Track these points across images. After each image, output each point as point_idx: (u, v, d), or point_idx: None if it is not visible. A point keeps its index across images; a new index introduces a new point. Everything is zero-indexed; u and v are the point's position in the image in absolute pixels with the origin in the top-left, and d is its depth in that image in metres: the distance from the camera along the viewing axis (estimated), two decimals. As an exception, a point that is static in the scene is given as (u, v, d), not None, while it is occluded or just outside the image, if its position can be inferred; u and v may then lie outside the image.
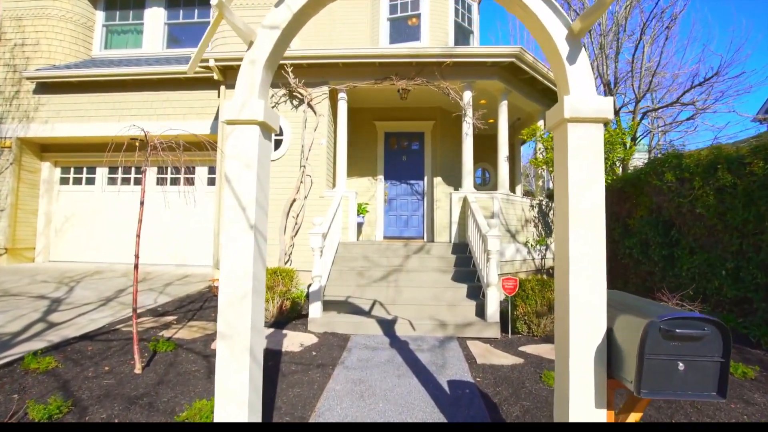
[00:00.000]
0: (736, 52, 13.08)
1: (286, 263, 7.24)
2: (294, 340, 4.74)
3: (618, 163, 9.03)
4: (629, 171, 9.68)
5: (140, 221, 3.52)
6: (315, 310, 5.27)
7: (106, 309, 5.51)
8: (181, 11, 9.92)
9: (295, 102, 7.60)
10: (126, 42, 10.16)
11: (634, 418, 1.72)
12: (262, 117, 1.87)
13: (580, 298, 1.68)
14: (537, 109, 8.81)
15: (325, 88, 7.55)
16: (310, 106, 7.52)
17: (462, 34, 9.40)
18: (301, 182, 7.43)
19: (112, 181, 9.78)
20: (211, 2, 1.79)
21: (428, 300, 5.64)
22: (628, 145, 7.80)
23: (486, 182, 11.34)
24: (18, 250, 9.31)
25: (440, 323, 5.13)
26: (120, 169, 9.64)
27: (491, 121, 8.58)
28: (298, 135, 7.52)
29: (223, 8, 1.80)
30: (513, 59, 7.04)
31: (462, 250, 6.80)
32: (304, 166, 7.42)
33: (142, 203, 3.52)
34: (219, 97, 7.99)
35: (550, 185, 9.45)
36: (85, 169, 9.88)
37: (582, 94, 1.76)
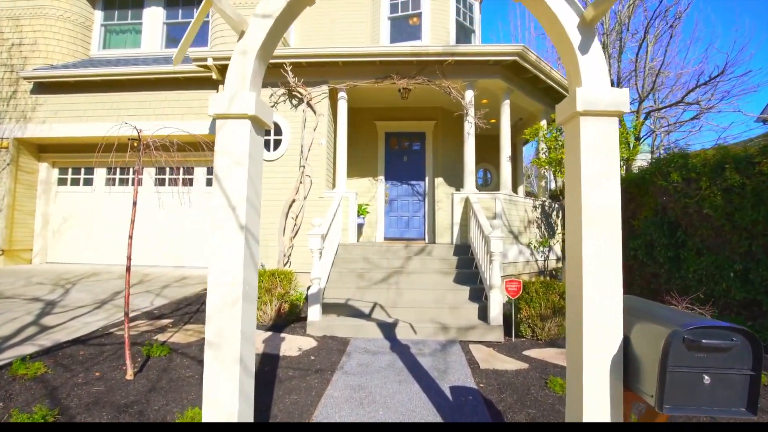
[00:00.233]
0: (740, 52, 12.96)
1: (285, 265, 7.13)
2: (292, 344, 4.62)
3: (622, 164, 8.90)
4: (633, 171, 9.56)
5: (133, 222, 3.41)
6: (314, 313, 5.15)
7: (101, 312, 5.40)
8: (180, 11, 9.84)
9: (294, 101, 7.50)
10: (124, 42, 10.07)
11: (652, 433, 1.60)
12: (253, 110, 1.76)
13: (594, 303, 1.57)
14: (539, 109, 8.69)
15: (325, 88, 7.45)
16: (309, 105, 7.41)
17: (463, 33, 9.30)
18: (301, 182, 7.32)
19: (110, 182, 9.68)
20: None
21: (430, 303, 5.52)
22: (632, 145, 7.69)
23: (488, 183, 11.22)
24: (15, 252, 9.21)
25: (442, 326, 5.01)
26: (118, 169, 9.55)
27: (493, 121, 8.46)
28: (297, 135, 7.42)
29: (211, -6, 1.69)
30: (516, 58, 6.93)
31: (464, 252, 6.68)
32: (304, 167, 7.31)
33: (134, 203, 3.41)
34: (217, 96, 7.88)
35: (552, 186, 9.33)
36: (83, 170, 9.78)
37: (595, 85, 1.65)
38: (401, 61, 7.13)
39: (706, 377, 1.35)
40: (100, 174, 9.72)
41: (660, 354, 1.36)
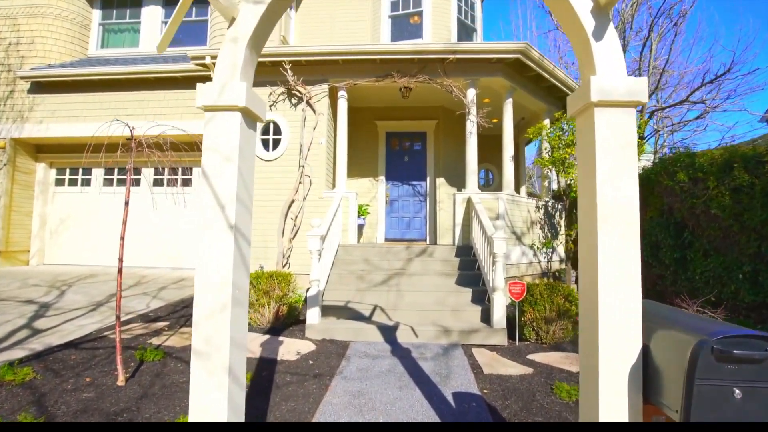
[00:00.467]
0: (744, 51, 12.81)
1: (284, 266, 7.02)
2: (290, 348, 4.51)
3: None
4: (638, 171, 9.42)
5: (124, 223, 3.30)
6: (313, 315, 5.04)
7: (96, 314, 5.29)
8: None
9: (293, 100, 7.39)
10: (123, 41, 9.98)
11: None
12: (244, 102, 1.65)
13: (611, 308, 1.45)
14: (542, 108, 8.57)
15: (325, 86, 7.34)
16: (309, 104, 7.30)
17: (465, 32, 9.19)
18: (300, 183, 7.21)
19: (108, 182, 9.58)
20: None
21: (431, 305, 5.40)
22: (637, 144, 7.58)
23: (489, 183, 11.10)
24: (12, 253, 9.11)
25: (444, 329, 4.89)
26: (116, 169, 9.45)
27: (495, 120, 8.34)
28: (296, 134, 7.31)
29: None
30: (519, 55, 6.82)
31: (466, 253, 6.56)
32: (303, 166, 7.20)
33: (126, 203, 3.30)
34: (216, 95, 7.78)
35: (555, 186, 9.21)
36: (80, 170, 9.68)
37: (611, 74, 1.53)
38: (402, 59, 7.02)
39: (737, 391, 1.23)
40: (98, 174, 9.63)
41: (686, 365, 1.24)
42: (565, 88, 8.21)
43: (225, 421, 1.56)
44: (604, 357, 1.44)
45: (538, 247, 7.67)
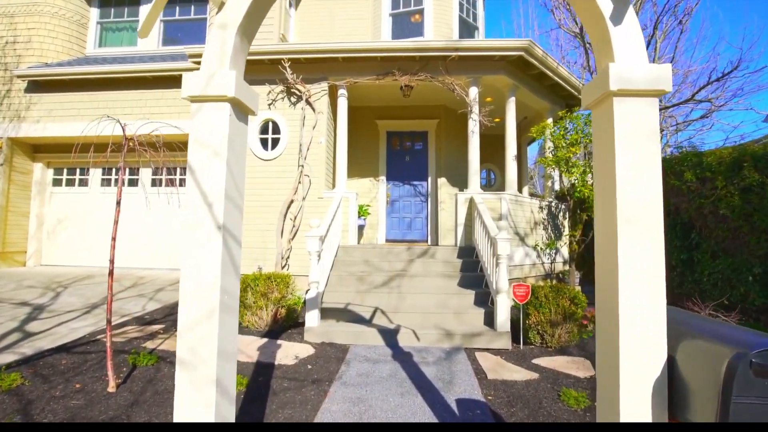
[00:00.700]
0: (749, 49, 12.63)
1: (283, 267, 6.90)
2: (288, 352, 4.38)
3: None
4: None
5: (116, 223, 3.18)
6: (312, 318, 4.92)
7: (90, 317, 5.17)
8: (177, 8, 9.64)
9: (293, 99, 7.27)
10: (121, 40, 9.88)
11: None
12: (233, 92, 1.53)
13: (632, 316, 1.33)
14: (545, 107, 8.45)
15: (324, 84, 7.22)
16: (308, 103, 7.18)
17: (467, 31, 9.07)
18: (299, 183, 7.09)
19: (106, 183, 9.47)
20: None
21: (433, 307, 5.27)
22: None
23: (491, 184, 10.97)
24: (8, 254, 9.00)
25: (446, 333, 4.76)
26: (113, 169, 9.34)
27: (497, 120, 8.22)
28: (296, 133, 7.19)
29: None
30: (522, 53, 6.69)
31: (468, 254, 6.44)
32: (303, 166, 7.08)
33: (118, 203, 3.18)
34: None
35: (557, 187, 9.08)
36: (78, 170, 9.58)
37: (631, 61, 1.41)
38: (403, 56, 6.91)
39: (778, 410, 1.11)
40: (95, 174, 9.52)
41: (720, 381, 1.12)
42: (568, 87, 8.08)
43: (212, 438, 1.44)
44: (626, 370, 1.32)
45: (541, 248, 7.54)
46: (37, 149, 9.44)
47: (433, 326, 4.95)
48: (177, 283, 7.52)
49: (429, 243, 8.39)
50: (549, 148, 7.72)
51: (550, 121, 8.13)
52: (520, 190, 9.34)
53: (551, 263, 7.93)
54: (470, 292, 5.49)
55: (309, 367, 3.99)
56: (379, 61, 7.00)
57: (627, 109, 1.40)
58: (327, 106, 7.31)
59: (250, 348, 4.42)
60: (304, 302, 5.57)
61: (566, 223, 8.32)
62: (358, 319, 5.16)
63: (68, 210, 9.52)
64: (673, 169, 6.41)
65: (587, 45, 12.08)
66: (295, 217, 7.03)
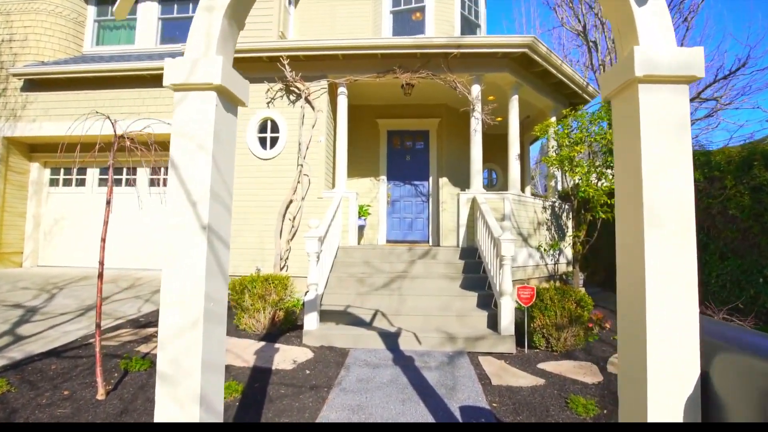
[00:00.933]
0: (753, 48, 12.51)
1: (282, 269, 6.77)
2: (286, 356, 4.26)
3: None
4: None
5: (106, 223, 3.06)
6: (310, 321, 4.79)
7: (84, 319, 5.05)
8: (176, 5, 9.52)
9: (292, 97, 7.15)
10: (118, 38, 9.77)
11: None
12: (219, 79, 1.40)
13: (661, 327, 1.19)
14: (549, 106, 8.31)
15: (324, 82, 7.10)
16: (307, 101, 7.06)
17: (468, 28, 8.94)
18: (299, 182, 6.96)
19: (103, 182, 9.34)
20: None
21: (435, 310, 5.14)
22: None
23: (493, 184, 10.84)
24: (4, 255, 8.88)
25: (449, 336, 4.63)
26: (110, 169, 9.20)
27: (500, 119, 8.09)
28: (295, 132, 7.06)
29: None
30: (525, 50, 6.56)
31: (471, 255, 6.31)
32: (302, 165, 6.95)
33: (108, 203, 3.06)
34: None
35: (560, 187, 8.95)
36: (75, 170, 9.45)
37: (658, 44, 1.28)
38: (404, 53, 6.78)
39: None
40: (93, 174, 9.40)
41: (765, 402, 0.99)
42: (572, 85, 7.95)
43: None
44: (655, 386, 1.19)
45: (545, 249, 7.41)
46: (33, 149, 9.33)
47: (435, 329, 4.82)
48: (174, 284, 7.39)
49: (430, 244, 8.27)
50: (553, 147, 7.59)
51: (553, 119, 8.00)
52: (522, 190, 9.21)
53: (554, 264, 7.80)
54: (473, 294, 5.36)
55: (307, 372, 3.86)
56: (380, 59, 6.88)
57: (654, 97, 1.27)
58: (327, 104, 7.19)
59: (247, 352, 4.29)
60: (303, 304, 5.44)
61: (570, 223, 8.19)
62: (358, 322, 5.03)
63: (65, 210, 9.40)
64: (680, 168, 6.27)
65: (590, 43, 11.95)
66: (294, 218, 6.91)
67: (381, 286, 5.66)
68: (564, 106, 8.36)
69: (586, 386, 3.65)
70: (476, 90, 6.90)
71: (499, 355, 4.43)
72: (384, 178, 8.69)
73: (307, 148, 6.97)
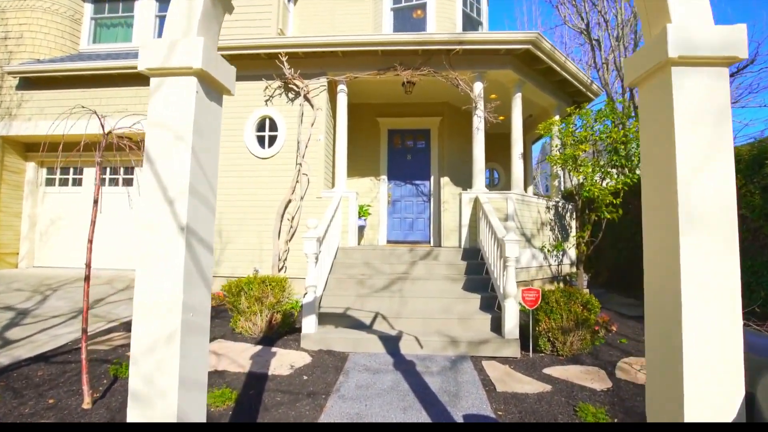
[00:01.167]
0: (759, 46, 12.37)
1: (280, 270, 6.64)
2: (283, 360, 4.11)
3: (633, 162, 8.33)
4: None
5: (93, 223, 2.93)
6: (309, 324, 4.65)
7: (76, 322, 4.91)
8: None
9: (290, 95, 7.01)
10: (116, 36, 9.64)
11: None
12: (200, 63, 1.25)
13: (699, 341, 1.05)
14: (552, 104, 8.17)
15: (323, 80, 6.96)
16: (306, 99, 6.92)
17: (470, 26, 8.80)
18: (297, 182, 6.82)
19: (101, 182, 9.21)
20: None
21: (437, 313, 5.00)
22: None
23: (495, 183, 10.70)
24: (0, 256, 8.76)
25: (451, 340, 4.49)
26: (108, 169, 9.09)
27: (502, 118, 7.95)
28: (293, 130, 6.93)
29: None
30: (529, 46, 6.42)
31: (473, 256, 6.16)
32: (301, 164, 6.81)
33: (95, 202, 2.93)
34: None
35: (563, 187, 8.80)
36: (71, 170, 9.33)
37: (695, 21, 1.13)
38: (405, 50, 6.64)
39: None
40: (89, 174, 9.27)
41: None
42: (576, 83, 7.81)
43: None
44: (692, 411, 1.04)
45: (549, 250, 7.26)
46: (29, 148, 9.20)
47: (437, 333, 4.68)
48: (171, 285, 7.26)
49: (432, 244, 8.12)
50: (556, 146, 7.45)
51: (557, 118, 7.85)
52: (525, 189, 9.07)
53: (558, 265, 7.65)
54: (476, 296, 5.22)
55: (305, 377, 3.72)
56: (380, 56, 6.74)
57: (691, 82, 1.12)
58: (326, 102, 7.05)
59: (243, 356, 4.15)
60: (301, 307, 5.30)
61: (573, 223, 8.04)
62: (357, 325, 4.89)
63: (61, 210, 9.28)
64: (688, 167, 6.13)
65: (593, 41, 11.80)
66: (293, 218, 6.77)
67: (381, 288, 5.52)
68: (567, 104, 8.21)
69: (595, 393, 3.51)
70: (478, 87, 6.76)
71: (504, 360, 4.28)
72: (384, 177, 8.55)
73: (306, 146, 6.84)
